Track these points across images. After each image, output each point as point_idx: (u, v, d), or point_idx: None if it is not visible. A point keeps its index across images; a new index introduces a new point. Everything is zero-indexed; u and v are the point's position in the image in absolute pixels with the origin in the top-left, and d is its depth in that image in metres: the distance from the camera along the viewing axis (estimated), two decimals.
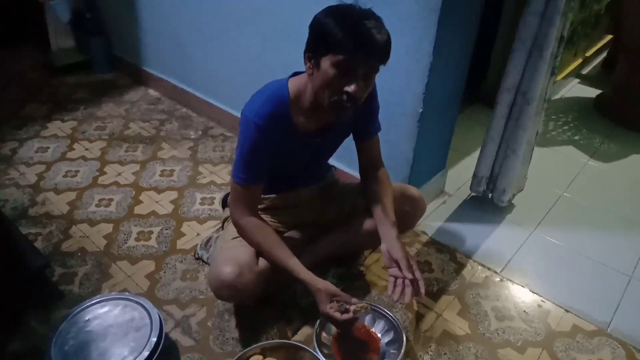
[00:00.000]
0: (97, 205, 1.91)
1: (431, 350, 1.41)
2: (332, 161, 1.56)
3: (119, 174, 2.11)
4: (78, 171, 2.11)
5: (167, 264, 1.66)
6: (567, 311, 1.56)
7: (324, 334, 1.37)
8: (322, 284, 1.27)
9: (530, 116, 1.71)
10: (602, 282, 1.69)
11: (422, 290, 1.27)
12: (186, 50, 2.48)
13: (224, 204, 1.65)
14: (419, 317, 1.51)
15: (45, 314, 1.45)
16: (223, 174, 2.14)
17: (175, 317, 1.47)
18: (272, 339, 1.40)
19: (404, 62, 1.57)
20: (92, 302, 1.39)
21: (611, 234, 1.92)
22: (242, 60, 2.21)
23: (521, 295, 1.62)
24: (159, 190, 2.02)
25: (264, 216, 1.42)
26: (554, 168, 2.34)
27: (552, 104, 2.98)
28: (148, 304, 1.38)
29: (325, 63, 1.12)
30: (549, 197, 2.11)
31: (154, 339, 1.29)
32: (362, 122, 1.41)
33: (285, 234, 1.51)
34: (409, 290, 1.25)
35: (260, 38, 2.06)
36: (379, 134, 1.45)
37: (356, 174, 1.54)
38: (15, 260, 1.43)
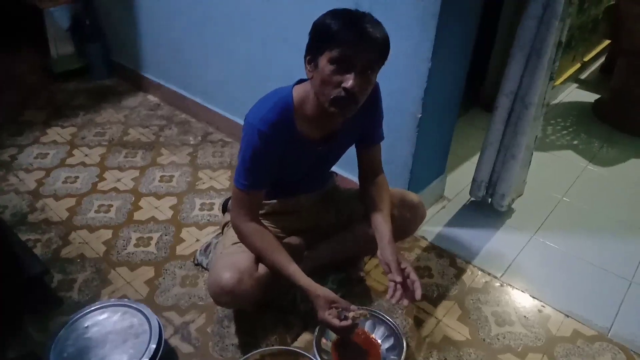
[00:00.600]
0: (96, 211, 1.91)
1: (431, 356, 1.40)
2: (333, 167, 1.57)
3: (119, 180, 2.10)
4: (77, 177, 2.11)
5: (166, 270, 1.65)
6: (568, 316, 1.55)
7: (323, 340, 1.37)
8: (321, 291, 1.27)
9: (529, 121, 1.71)
10: (602, 287, 1.68)
11: (418, 293, 1.27)
12: (185, 56, 2.49)
13: (224, 209, 1.64)
14: (419, 323, 1.51)
15: (44, 320, 1.44)
16: (222, 180, 2.14)
17: (175, 323, 1.47)
18: (272, 345, 1.39)
19: (402, 67, 1.58)
20: (91, 308, 1.38)
21: (611, 238, 1.92)
22: (241, 66, 2.21)
23: (521, 300, 1.61)
24: (158, 196, 2.02)
25: (264, 221, 1.41)
26: (553, 173, 2.34)
27: (551, 109, 2.99)
28: (147, 311, 1.38)
29: (323, 61, 1.13)
30: (549, 202, 2.11)
31: (154, 346, 1.28)
32: (366, 130, 1.41)
33: (285, 240, 1.51)
34: (398, 293, 1.25)
35: (259, 43, 2.07)
36: None
37: (357, 179, 1.54)
38: (14, 266, 1.43)
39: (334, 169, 1.59)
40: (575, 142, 2.65)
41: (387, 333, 1.40)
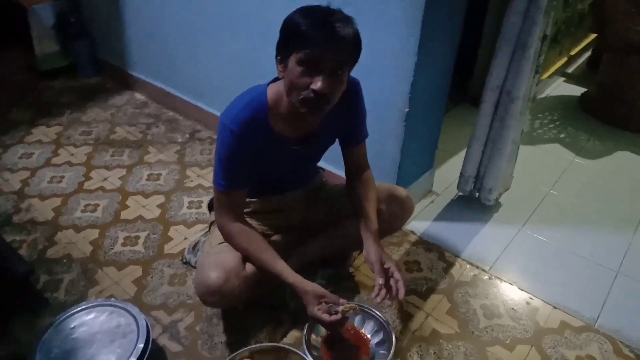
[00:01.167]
0: (82, 211, 1.89)
1: (421, 350, 1.41)
2: (320, 163, 1.56)
3: (105, 179, 2.08)
4: (63, 177, 2.08)
5: (154, 269, 1.64)
6: (555, 308, 1.57)
7: (313, 336, 1.37)
8: (310, 286, 1.26)
9: (515, 115, 1.72)
10: (589, 278, 1.70)
11: (401, 292, 1.27)
12: (172, 54, 2.47)
13: (211, 207, 1.63)
14: (408, 317, 1.51)
15: (30, 322, 1.43)
16: (210, 177, 2.11)
17: (163, 322, 1.46)
18: (261, 343, 1.39)
19: (389, 62, 1.58)
20: (78, 309, 1.37)
21: (597, 230, 1.94)
22: (228, 63, 2.20)
23: (509, 293, 1.62)
24: (145, 195, 2.00)
25: (250, 220, 1.40)
26: (541, 166, 2.36)
27: (538, 103, 3.01)
28: (135, 310, 1.37)
29: (292, 62, 1.11)
30: (536, 195, 2.13)
31: (141, 345, 1.27)
32: (348, 129, 1.40)
33: (272, 238, 1.50)
34: (382, 292, 1.26)
35: (246, 41, 2.05)
36: None
37: (344, 174, 1.53)
38: None
39: (322, 164, 1.59)
40: (562, 136, 2.67)
41: (376, 328, 1.40)
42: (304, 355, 1.25)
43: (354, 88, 1.32)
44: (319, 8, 1.11)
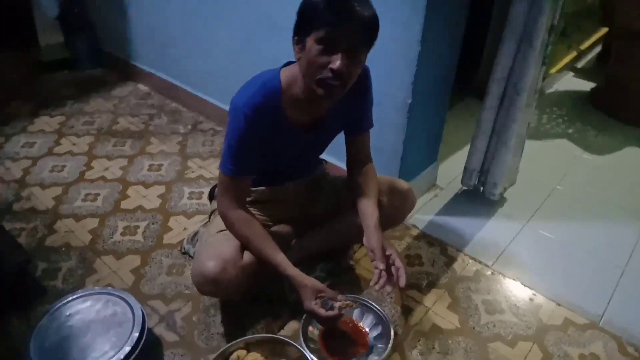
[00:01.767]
0: (83, 200, 1.88)
1: (420, 345, 1.38)
2: (324, 155, 1.54)
3: (107, 169, 2.08)
4: (65, 166, 2.08)
5: (152, 258, 1.63)
6: (559, 305, 1.53)
7: (310, 328, 1.35)
8: (308, 280, 1.25)
9: (520, 107, 1.68)
10: (594, 275, 1.66)
11: (402, 280, 1.25)
12: (175, 44, 2.45)
13: (211, 196, 1.62)
14: (408, 311, 1.49)
15: (27, 310, 1.42)
16: (212, 169, 2.11)
17: (160, 312, 1.45)
18: (258, 334, 1.37)
19: (391, 51, 1.55)
20: (74, 297, 1.36)
21: (604, 226, 1.90)
22: (231, 53, 2.18)
23: (512, 288, 1.59)
24: (146, 185, 1.99)
25: (251, 209, 1.39)
26: (548, 161, 2.32)
27: (547, 97, 2.96)
28: (131, 299, 1.35)
29: (310, 41, 1.09)
30: (542, 191, 2.09)
31: (136, 334, 1.26)
32: (355, 116, 1.38)
33: (273, 228, 1.48)
34: (382, 280, 1.23)
35: (248, 30, 2.03)
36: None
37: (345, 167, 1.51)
38: None
39: (325, 156, 1.57)
40: (570, 131, 2.62)
41: (375, 321, 1.38)
42: (300, 347, 1.23)
43: (366, 74, 1.30)
44: None
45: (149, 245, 1.69)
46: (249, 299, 1.46)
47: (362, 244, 1.33)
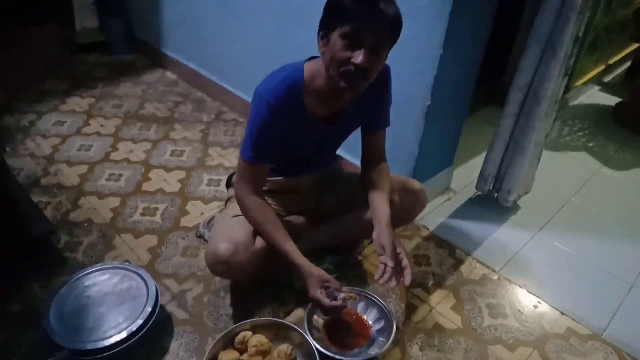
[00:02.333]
0: (107, 180, 1.96)
1: (420, 341, 1.41)
2: (339, 151, 1.58)
3: (131, 151, 2.15)
4: (92, 146, 2.16)
5: (169, 239, 1.69)
6: (563, 314, 1.54)
7: (315, 317, 1.39)
8: (314, 270, 1.29)
9: (540, 116, 1.69)
10: (602, 288, 1.67)
11: (408, 279, 1.27)
12: (204, 34, 2.51)
13: (228, 183, 1.67)
14: (412, 309, 1.52)
15: (47, 278, 1.50)
16: (232, 158, 2.17)
17: (173, 290, 1.51)
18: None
19: (413, 52, 1.57)
20: (93, 269, 1.43)
21: (616, 241, 1.89)
22: (257, 46, 2.23)
23: (518, 295, 1.61)
24: (167, 169, 2.06)
25: (266, 198, 1.43)
26: (565, 173, 2.31)
27: (570, 109, 2.94)
28: (146, 275, 1.42)
29: (334, 36, 1.13)
30: (556, 201, 2.09)
31: (149, 309, 1.32)
32: (373, 113, 1.41)
33: (286, 218, 1.53)
34: (387, 275, 1.26)
35: (275, 25, 2.08)
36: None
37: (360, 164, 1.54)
38: (22, 224, 1.48)
39: (339, 152, 1.60)
40: (590, 144, 2.60)
41: (378, 315, 1.42)
42: (303, 333, 1.28)
43: (386, 73, 1.33)
44: None
45: (166, 226, 1.75)
46: (257, 284, 1.51)
47: (372, 240, 1.36)
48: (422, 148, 1.74)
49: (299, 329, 1.29)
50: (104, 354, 1.23)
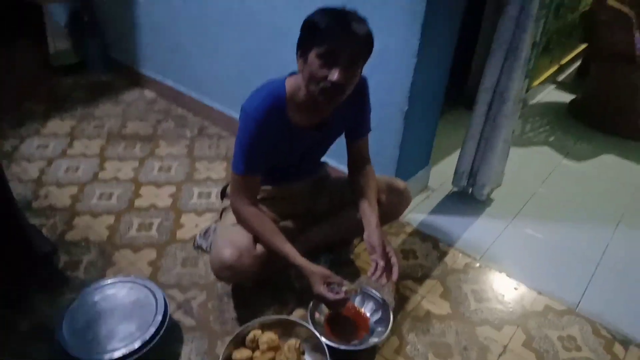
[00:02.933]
0: (98, 199, 2.00)
1: (416, 328, 1.53)
2: (325, 159, 1.68)
3: (119, 170, 2.19)
4: (79, 167, 2.19)
5: (167, 252, 1.75)
6: (540, 293, 1.69)
7: (317, 314, 1.48)
8: (316, 268, 1.38)
9: (506, 115, 1.85)
10: (572, 268, 1.83)
11: (395, 274, 1.39)
12: (182, 53, 2.58)
13: (223, 195, 1.75)
14: (404, 299, 1.63)
15: (51, 297, 1.53)
16: (219, 170, 2.24)
17: (177, 299, 1.57)
18: None
19: (390, 62, 1.70)
20: (100, 284, 1.48)
21: (581, 226, 2.08)
22: (237, 62, 2.32)
23: (498, 279, 1.75)
24: (157, 185, 2.11)
25: (260, 206, 1.52)
26: (530, 166, 2.50)
27: (530, 108, 3.16)
28: (153, 286, 1.48)
29: (311, 56, 1.24)
30: (526, 193, 2.26)
31: (160, 317, 1.38)
32: (355, 122, 1.52)
33: (280, 223, 1.62)
34: (379, 272, 1.37)
35: (254, 41, 2.17)
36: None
37: (346, 169, 1.65)
38: (24, 244, 1.51)
39: (326, 159, 1.71)
40: (551, 139, 2.81)
41: (375, 307, 1.52)
42: (310, 327, 1.36)
43: (363, 84, 1.45)
44: (336, 9, 1.25)
45: (163, 240, 1.81)
46: (258, 286, 1.59)
47: (362, 239, 1.47)
48: (402, 150, 1.87)
49: (305, 324, 1.38)
50: None
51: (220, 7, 2.25)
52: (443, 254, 1.84)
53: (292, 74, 1.41)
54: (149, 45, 2.78)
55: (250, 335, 1.35)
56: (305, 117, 1.41)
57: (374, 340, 1.43)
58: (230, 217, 1.52)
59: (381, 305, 1.51)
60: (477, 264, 1.81)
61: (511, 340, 1.51)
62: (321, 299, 1.38)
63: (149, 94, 2.91)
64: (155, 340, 1.33)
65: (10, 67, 2.99)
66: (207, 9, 2.31)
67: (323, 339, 1.34)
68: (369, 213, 1.49)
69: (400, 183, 1.67)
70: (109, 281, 1.49)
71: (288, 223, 1.65)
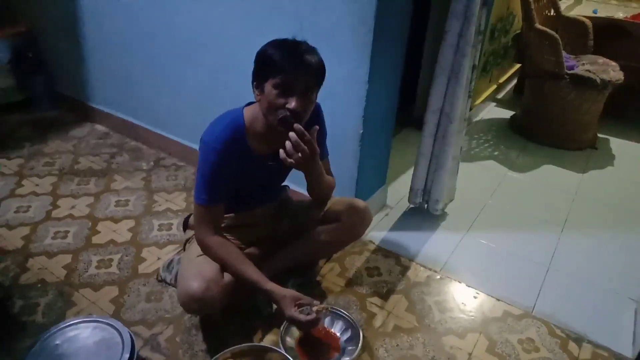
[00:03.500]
0: (53, 238, 1.93)
1: (385, 343, 1.57)
2: (287, 184, 1.72)
3: (73, 207, 2.13)
4: (30, 206, 2.11)
5: (130, 288, 1.71)
6: (498, 300, 1.78)
7: (287, 339, 1.49)
8: (286, 292, 1.40)
9: (453, 134, 1.97)
10: (525, 274, 1.94)
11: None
12: (133, 85, 2.57)
13: (185, 226, 1.74)
14: (372, 316, 1.67)
15: (9, 344, 1.46)
16: (178, 201, 2.22)
17: (143, 336, 1.53)
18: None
19: (344, 90, 1.78)
20: (61, 326, 1.41)
21: (530, 233, 2.21)
22: (191, 93, 2.33)
23: (459, 289, 1.83)
24: (115, 220, 2.07)
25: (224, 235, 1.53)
26: (479, 180, 2.64)
27: (474, 125, 3.35)
28: (118, 324, 1.43)
29: (268, 87, 1.30)
30: (477, 205, 2.39)
31: (127, 355, 1.34)
32: None
33: (246, 250, 1.63)
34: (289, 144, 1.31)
35: (207, 71, 2.20)
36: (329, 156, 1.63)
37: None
38: None
39: (287, 183, 1.75)
40: (496, 153, 2.99)
41: (344, 326, 1.55)
42: (282, 352, 1.37)
43: (317, 110, 1.51)
44: (288, 41, 1.31)
45: (125, 275, 1.77)
46: (226, 315, 1.58)
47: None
48: (360, 171, 1.94)
49: (278, 349, 1.39)
50: None
51: (171, 39, 2.27)
52: (405, 268, 1.91)
53: (250, 103, 1.46)
54: (98, 79, 2.75)
55: None
56: (265, 146, 1.45)
57: (345, 359, 1.46)
58: (194, 248, 1.52)
59: (350, 324, 1.54)
60: (438, 276, 1.89)
61: (475, 347, 1.58)
62: (293, 321, 1.40)
63: (100, 128, 2.85)
64: None
65: None
66: (157, 41, 2.33)
67: None
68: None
69: (360, 203, 1.72)
70: (70, 322, 1.43)
71: (252, 250, 1.67)
